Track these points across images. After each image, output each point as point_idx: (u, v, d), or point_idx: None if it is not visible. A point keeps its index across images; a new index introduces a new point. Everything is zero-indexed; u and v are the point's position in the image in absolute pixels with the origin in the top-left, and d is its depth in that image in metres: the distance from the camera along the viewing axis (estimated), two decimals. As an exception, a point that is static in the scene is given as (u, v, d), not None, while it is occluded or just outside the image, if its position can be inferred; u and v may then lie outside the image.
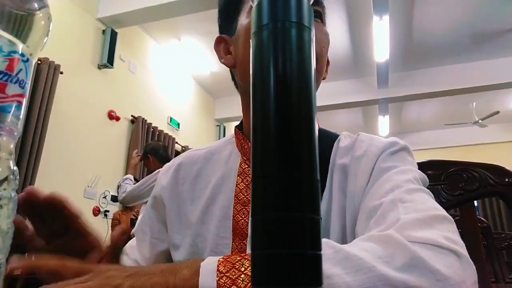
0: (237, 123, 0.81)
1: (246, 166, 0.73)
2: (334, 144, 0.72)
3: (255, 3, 0.20)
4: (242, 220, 0.69)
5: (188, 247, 0.73)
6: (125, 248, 0.83)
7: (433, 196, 0.56)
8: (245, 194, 0.71)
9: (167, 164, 0.85)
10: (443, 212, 0.50)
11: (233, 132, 0.81)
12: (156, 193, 0.81)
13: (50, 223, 0.60)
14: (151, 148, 3.34)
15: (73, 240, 0.60)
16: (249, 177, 0.72)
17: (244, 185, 0.71)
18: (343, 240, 0.62)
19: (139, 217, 0.86)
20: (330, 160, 0.69)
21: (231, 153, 0.78)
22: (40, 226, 0.60)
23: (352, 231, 0.61)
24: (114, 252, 0.61)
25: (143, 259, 0.79)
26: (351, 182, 0.65)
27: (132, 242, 0.84)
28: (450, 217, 0.49)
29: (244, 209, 0.69)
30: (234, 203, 0.71)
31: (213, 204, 0.73)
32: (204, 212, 0.73)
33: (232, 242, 0.68)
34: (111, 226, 3.73)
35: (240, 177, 0.73)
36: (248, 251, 0.66)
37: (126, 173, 3.60)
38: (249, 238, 0.67)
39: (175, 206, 0.77)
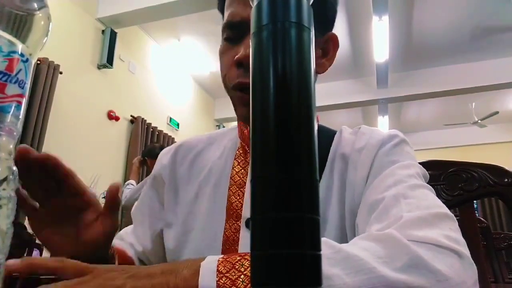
0: (236, 123, 0.82)
1: (243, 151, 0.74)
2: (336, 135, 0.72)
3: (255, 3, 0.20)
4: (237, 201, 0.69)
5: (179, 225, 0.73)
6: (121, 233, 0.83)
7: (434, 193, 0.57)
8: (241, 176, 0.71)
9: (168, 147, 0.86)
10: (445, 209, 0.50)
11: None
12: (156, 172, 0.82)
13: (43, 183, 0.56)
14: (147, 151, 3.41)
15: (67, 200, 0.57)
16: (246, 160, 0.73)
17: (241, 168, 0.72)
18: (342, 230, 0.63)
19: (137, 200, 0.86)
20: (331, 149, 0.70)
21: (232, 139, 0.79)
22: (33, 187, 0.56)
23: (350, 221, 0.62)
24: (111, 209, 0.59)
25: (139, 242, 0.79)
26: (351, 173, 0.65)
27: (127, 229, 0.84)
28: (452, 214, 0.49)
29: (239, 191, 0.70)
30: (230, 184, 0.71)
31: (207, 184, 0.74)
32: (198, 192, 0.75)
33: (226, 222, 0.69)
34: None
35: (236, 160, 0.74)
36: (243, 231, 0.67)
37: (128, 178, 3.59)
38: (243, 219, 0.68)
39: (172, 185, 0.78)
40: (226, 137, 0.82)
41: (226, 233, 0.68)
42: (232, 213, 0.69)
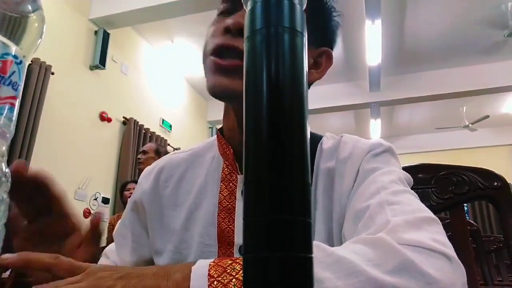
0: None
1: (229, 171, 0.71)
2: (318, 147, 0.71)
3: (249, 7, 0.20)
4: (228, 228, 0.67)
5: (171, 253, 0.71)
6: (106, 251, 0.81)
7: (418, 197, 0.57)
8: (229, 201, 0.69)
9: (148, 167, 0.81)
10: (430, 213, 0.51)
11: None
12: (136, 197, 0.78)
13: (34, 201, 0.57)
14: (165, 151, 3.29)
15: (55, 222, 0.58)
16: (232, 183, 0.70)
17: (228, 192, 0.70)
18: (330, 243, 0.62)
19: (119, 221, 0.83)
20: (314, 163, 0.68)
21: (214, 157, 0.76)
22: (24, 204, 0.57)
23: (338, 234, 0.61)
24: (93, 237, 0.59)
25: (123, 264, 0.77)
26: (337, 185, 0.64)
27: (112, 246, 0.81)
28: (437, 218, 0.50)
29: (229, 216, 0.68)
30: (219, 210, 0.69)
31: (197, 210, 0.72)
32: (188, 219, 0.72)
33: (218, 249, 0.67)
34: (108, 232, 3.67)
35: (223, 183, 0.71)
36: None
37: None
38: (235, 246, 0.66)
39: (157, 211, 0.75)
40: (209, 153, 0.77)
41: None
42: (224, 240, 0.67)
